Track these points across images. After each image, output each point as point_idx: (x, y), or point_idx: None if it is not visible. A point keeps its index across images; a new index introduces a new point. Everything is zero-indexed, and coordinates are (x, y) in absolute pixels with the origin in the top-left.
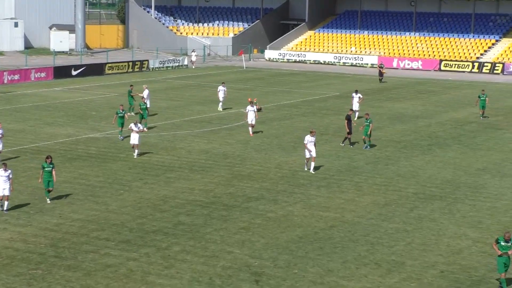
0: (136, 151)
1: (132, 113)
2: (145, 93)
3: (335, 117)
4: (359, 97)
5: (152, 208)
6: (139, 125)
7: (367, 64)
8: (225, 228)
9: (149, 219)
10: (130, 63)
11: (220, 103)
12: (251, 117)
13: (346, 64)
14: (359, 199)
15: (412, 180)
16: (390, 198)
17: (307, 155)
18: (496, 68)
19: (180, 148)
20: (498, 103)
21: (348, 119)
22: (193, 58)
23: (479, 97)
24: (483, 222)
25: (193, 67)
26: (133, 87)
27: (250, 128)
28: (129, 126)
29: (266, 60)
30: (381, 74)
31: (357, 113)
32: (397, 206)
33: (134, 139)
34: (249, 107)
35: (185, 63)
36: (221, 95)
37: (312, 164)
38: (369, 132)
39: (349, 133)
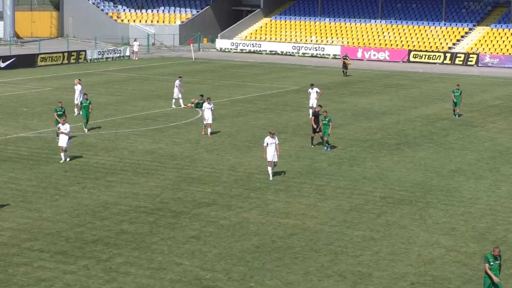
0: (62, 154)
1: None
2: (77, 88)
3: (294, 114)
4: (316, 91)
5: (91, 215)
6: (66, 125)
7: (329, 55)
8: (173, 237)
9: (88, 228)
10: (65, 54)
11: (174, 100)
12: (207, 116)
13: (306, 55)
14: (321, 204)
15: (379, 182)
16: (356, 203)
17: (269, 158)
18: (470, 59)
19: (122, 148)
20: (472, 98)
21: (316, 115)
22: (135, 48)
23: (453, 92)
24: (457, 229)
25: (136, 58)
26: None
27: (209, 129)
28: (57, 126)
29: (217, 50)
30: (345, 66)
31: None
32: (362, 212)
33: (63, 141)
34: (205, 105)
35: (127, 53)
36: (176, 91)
37: (270, 170)
38: (329, 132)
39: (316, 131)
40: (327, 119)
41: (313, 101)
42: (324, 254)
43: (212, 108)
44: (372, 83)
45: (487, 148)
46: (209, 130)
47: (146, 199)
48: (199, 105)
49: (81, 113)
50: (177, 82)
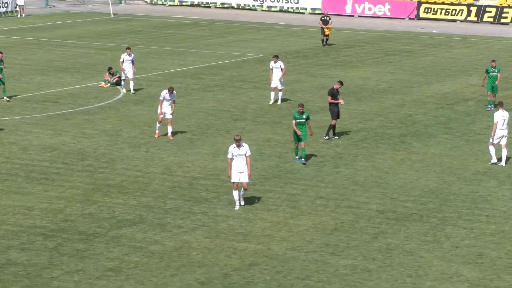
0: None
1: None
2: None
3: (256, 93)
4: (280, 67)
5: None
6: None
7: (306, 9)
8: (82, 270)
9: None
10: None
11: (123, 83)
12: (166, 109)
13: (273, 10)
14: (294, 221)
15: (376, 190)
16: (343, 220)
17: (235, 178)
18: (504, 14)
19: (10, 143)
20: (508, 70)
21: (333, 94)
22: (21, 1)
23: (487, 71)
24: (486, 255)
25: (22, 15)
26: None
27: (169, 128)
28: None
29: (146, 2)
30: (324, 33)
31: (280, 95)
32: (353, 232)
33: None
34: (165, 94)
35: (16, 8)
36: (127, 68)
37: (236, 195)
38: (310, 134)
39: (337, 117)
40: (304, 116)
41: (276, 82)
42: None
43: (174, 100)
44: (366, 50)
45: None
46: (169, 130)
47: (44, 215)
48: (118, 83)
49: None
50: (125, 56)
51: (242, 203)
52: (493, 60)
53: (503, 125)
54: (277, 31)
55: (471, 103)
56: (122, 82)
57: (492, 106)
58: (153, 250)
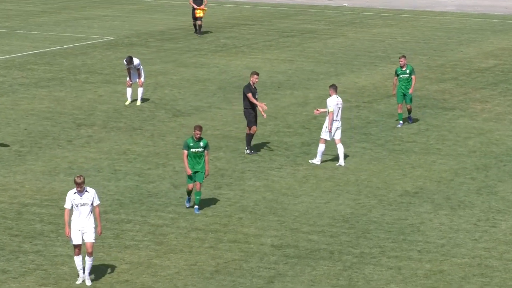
0: None
1: None
2: None
3: (108, 89)
4: (136, 67)
5: None
6: None
7: None
8: None
9: None
10: None
11: None
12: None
13: None
14: (160, 261)
15: (270, 219)
16: (226, 259)
17: (76, 239)
18: None
19: None
20: (445, 55)
21: (252, 92)
22: None
23: (396, 73)
24: None
25: None
26: None
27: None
28: None
29: None
30: (195, 16)
31: (140, 92)
32: (240, 275)
33: None
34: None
35: None
36: None
37: (78, 262)
38: (206, 173)
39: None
40: (201, 144)
41: (133, 90)
42: None
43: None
44: (255, 30)
45: (472, 149)
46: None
47: None
48: None
49: None
50: None
51: (88, 282)
52: (402, 56)
53: (337, 115)
54: (135, 5)
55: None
56: None
57: (408, 120)
58: None
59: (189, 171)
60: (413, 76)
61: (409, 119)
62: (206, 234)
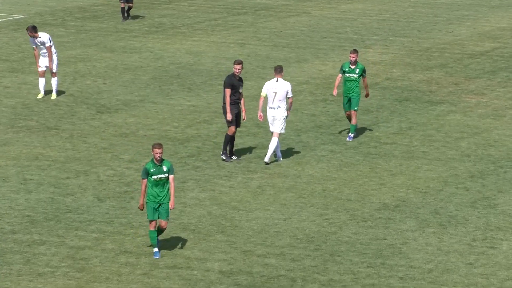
0: None
1: None
2: None
3: (15, 79)
4: (45, 45)
5: None
6: None
7: None
8: None
9: None
10: None
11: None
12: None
13: None
14: None
15: (218, 239)
16: None
17: None
18: None
19: None
20: (431, 36)
21: (233, 86)
22: None
23: (342, 70)
24: None
25: None
26: None
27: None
28: None
29: None
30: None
31: (54, 82)
32: None
33: None
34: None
35: None
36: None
37: None
38: (170, 205)
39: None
40: (164, 168)
41: (45, 62)
42: None
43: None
44: (198, 6)
45: (466, 152)
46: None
47: None
48: None
49: None
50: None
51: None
52: (354, 51)
53: (273, 101)
54: None
55: (372, 92)
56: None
57: (352, 134)
58: None
59: (142, 206)
60: (364, 79)
61: (349, 137)
62: (138, 258)
